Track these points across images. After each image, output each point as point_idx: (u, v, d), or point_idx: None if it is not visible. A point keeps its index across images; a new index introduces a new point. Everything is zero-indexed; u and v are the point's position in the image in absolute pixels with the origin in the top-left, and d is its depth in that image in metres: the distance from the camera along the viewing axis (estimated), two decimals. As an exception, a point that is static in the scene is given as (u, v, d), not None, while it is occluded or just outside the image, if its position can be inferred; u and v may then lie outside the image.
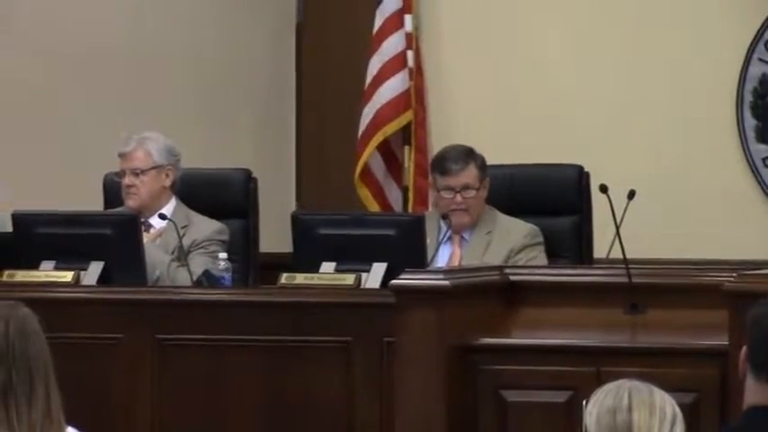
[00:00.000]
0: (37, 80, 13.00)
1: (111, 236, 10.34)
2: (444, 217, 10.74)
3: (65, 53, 13.20)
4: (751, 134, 12.44)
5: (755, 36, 12.56)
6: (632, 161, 11.07)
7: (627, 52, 12.65)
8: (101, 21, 13.27)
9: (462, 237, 10.65)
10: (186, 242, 10.65)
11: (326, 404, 9.55)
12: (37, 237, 10.27)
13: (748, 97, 12.56)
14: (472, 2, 12.70)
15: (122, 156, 10.88)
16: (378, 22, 12.44)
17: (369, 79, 12.43)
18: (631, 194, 9.93)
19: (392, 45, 12.37)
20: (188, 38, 13.31)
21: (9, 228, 10.34)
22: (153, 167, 10.70)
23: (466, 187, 10.70)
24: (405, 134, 12.38)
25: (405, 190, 12.23)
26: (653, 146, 11.83)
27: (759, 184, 12.32)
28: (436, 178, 11.05)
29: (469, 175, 10.72)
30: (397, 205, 12.16)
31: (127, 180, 10.82)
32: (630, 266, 9.32)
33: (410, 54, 12.40)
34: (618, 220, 9.90)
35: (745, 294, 7.54)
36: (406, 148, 12.31)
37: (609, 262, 10.13)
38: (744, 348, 5.89)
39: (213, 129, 12.09)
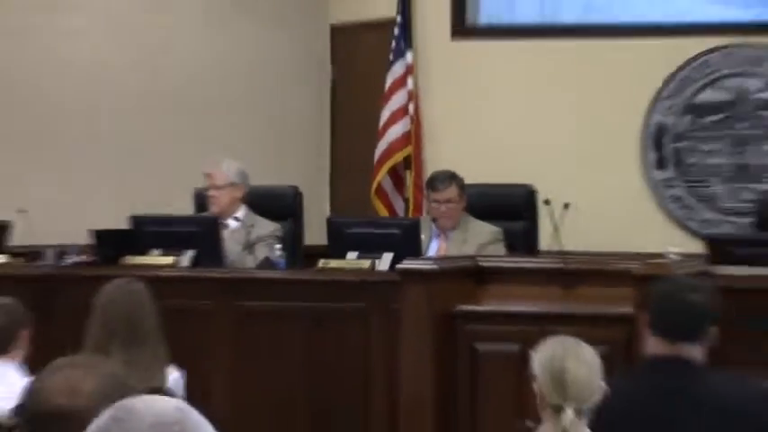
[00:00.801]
0: (144, 119, 12.89)
1: (199, 232, 10.49)
2: (434, 221, 10.91)
3: (162, 97, 13.08)
4: (652, 163, 12.42)
5: (656, 94, 12.53)
6: (568, 182, 11.08)
7: (568, 108, 12.61)
8: (189, 72, 13.24)
9: (446, 235, 10.77)
10: (252, 237, 10.80)
11: (351, 351, 9.66)
12: (148, 232, 10.37)
13: (650, 137, 12.50)
14: (455, 72, 12.69)
15: (208, 175, 10.99)
16: (388, 82, 12.47)
17: (381, 123, 12.47)
18: (566, 206, 10.00)
19: (398, 99, 12.41)
20: (254, 90, 13.24)
21: (129, 226, 10.42)
22: (229, 184, 10.83)
23: (449, 201, 10.83)
24: (406, 162, 12.43)
25: (406, 201, 12.30)
26: (583, 171, 11.83)
27: (656, 198, 12.33)
28: (428, 193, 11.18)
29: (452, 191, 10.83)
30: (400, 212, 12.23)
31: (210, 193, 10.94)
32: (565, 257, 9.48)
33: (411, 106, 12.44)
34: (557, 223, 9.99)
35: (647, 277, 7.73)
36: (408, 172, 12.37)
37: (550, 253, 10.20)
38: (645, 315, 6.06)
39: (271, 157, 12.12)
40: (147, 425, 2.73)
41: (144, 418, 2.73)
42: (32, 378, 3.52)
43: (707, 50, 12.57)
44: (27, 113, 12.65)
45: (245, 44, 13.34)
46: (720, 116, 12.51)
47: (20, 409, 3.44)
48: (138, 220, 10.49)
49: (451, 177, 11.11)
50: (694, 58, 12.55)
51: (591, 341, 5.62)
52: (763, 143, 12.47)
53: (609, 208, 11.84)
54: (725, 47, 12.52)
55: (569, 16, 12.76)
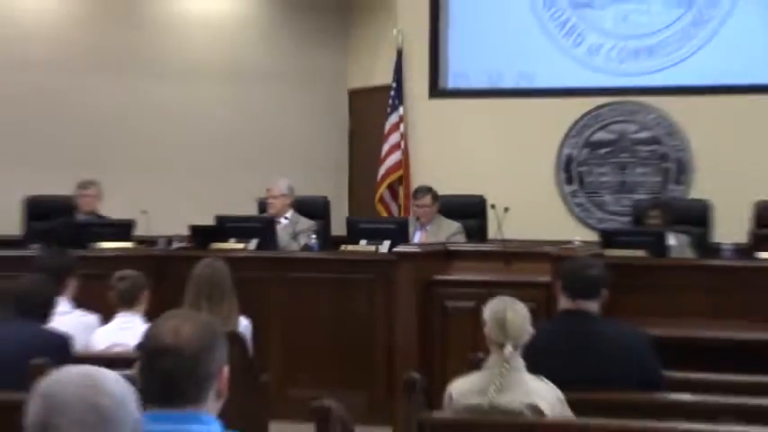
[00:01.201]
0: (226, 151, 12.87)
1: (261, 227, 10.44)
2: (417, 219, 10.84)
3: (237, 136, 13.02)
4: (563, 181, 12.35)
5: (565, 135, 12.46)
6: (507, 193, 10.96)
7: (507, 144, 12.52)
8: (257, 120, 13.19)
9: (425, 228, 10.72)
10: (296, 230, 10.76)
11: (362, 306, 9.61)
12: (227, 227, 10.29)
13: (562, 163, 12.39)
14: (431, 120, 12.60)
15: (268, 189, 10.96)
16: (387, 127, 12.41)
17: (382, 155, 12.36)
18: (506, 209, 9.92)
19: (393, 138, 12.32)
20: (298, 133, 13.15)
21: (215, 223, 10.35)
22: (281, 195, 10.81)
23: (426, 205, 10.77)
24: (399, 181, 12.34)
25: (399, 207, 12.19)
26: (517, 186, 11.75)
27: (565, 204, 12.25)
28: (413, 201, 11.15)
29: (428, 199, 10.77)
30: (395, 214, 12.12)
31: (269, 200, 10.92)
32: (505, 243, 9.41)
33: (402, 143, 12.35)
34: (500, 221, 9.91)
35: (560, 257, 7.73)
36: (400, 187, 12.24)
37: (495, 241, 10.12)
38: (559, 282, 6.05)
39: (309, 177, 11.99)
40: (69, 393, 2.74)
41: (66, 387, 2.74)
42: (150, 324, 3.52)
43: (599, 106, 12.51)
44: (148, 147, 12.65)
45: (293, 102, 13.26)
46: (608, 149, 12.43)
47: (140, 346, 3.44)
48: (220, 219, 10.45)
49: (428, 190, 11.06)
50: (590, 111, 12.50)
51: (522, 299, 5.61)
52: (637, 168, 12.41)
53: (534, 211, 11.74)
54: (611, 103, 12.47)
55: (507, 83, 12.70)
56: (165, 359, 3.28)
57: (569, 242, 9.84)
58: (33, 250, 9.89)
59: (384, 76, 12.75)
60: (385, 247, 10.18)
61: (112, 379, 2.77)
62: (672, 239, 10.10)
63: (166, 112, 12.91)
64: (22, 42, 12.66)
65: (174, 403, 3.24)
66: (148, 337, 3.42)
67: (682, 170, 12.38)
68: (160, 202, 11.34)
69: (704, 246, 10.42)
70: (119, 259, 9.36)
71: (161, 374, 3.27)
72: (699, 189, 12.05)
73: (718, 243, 10.50)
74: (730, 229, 10.66)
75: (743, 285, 9.36)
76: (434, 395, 5.61)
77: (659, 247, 9.87)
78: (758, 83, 12.12)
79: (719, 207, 11.09)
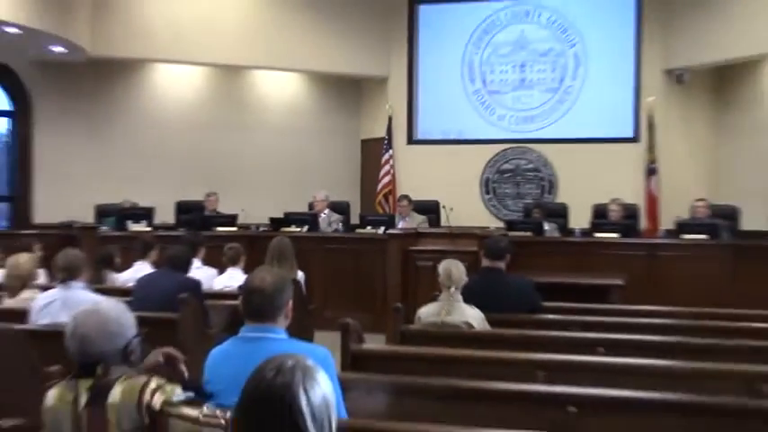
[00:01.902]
0: (287, 173, 12.68)
1: (310, 219, 10.30)
2: (400, 214, 10.71)
3: (296, 164, 12.85)
4: (484, 192, 12.22)
5: (485, 166, 12.32)
6: (452, 199, 10.83)
7: (452, 172, 12.39)
8: (303, 154, 13.05)
9: (405, 219, 10.60)
10: (331, 221, 10.64)
11: (370, 266, 9.49)
12: (290, 218, 10.19)
13: (484, 182, 12.19)
14: (409, 158, 12.43)
15: (314, 197, 10.86)
16: (383, 161, 12.28)
17: (379, 176, 12.19)
18: (451, 209, 9.83)
19: (386, 168, 12.15)
20: (328, 165, 13.04)
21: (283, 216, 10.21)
22: (322, 200, 10.69)
23: (404, 206, 10.65)
24: (389, 193, 12.17)
25: (390, 207, 12.00)
26: (458, 195, 11.48)
27: (487, 206, 12.11)
28: (398, 204, 11.03)
29: (405, 203, 10.66)
30: (388, 211, 11.93)
31: (315, 202, 10.81)
32: (452, 228, 9.32)
33: (391, 171, 12.19)
34: (448, 215, 9.82)
35: (483, 236, 7.66)
36: (390, 196, 12.06)
37: (446, 227, 10.03)
38: (482, 250, 5.97)
39: (337, 190, 11.73)
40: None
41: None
42: (247, 275, 3.52)
43: (504, 149, 12.32)
44: (246, 171, 12.55)
45: (327, 146, 13.13)
46: (509, 174, 12.28)
47: (242, 288, 3.45)
48: (286, 214, 10.37)
49: (406, 197, 10.90)
50: (499, 152, 12.35)
51: (461, 261, 5.58)
52: (526, 184, 12.28)
53: (467, 209, 11.54)
54: (511, 148, 12.29)
55: (451, 136, 12.57)
56: (255, 295, 3.32)
57: (487, 228, 9.85)
58: (181, 231, 9.94)
59: (381, 132, 12.59)
60: (381, 230, 10.16)
61: (111, 306, 2.80)
62: (546, 226, 10.12)
63: (255, 151, 12.79)
64: (178, 110, 12.63)
65: (260, 320, 3.30)
66: (246, 282, 3.44)
67: (551, 186, 12.23)
68: (252, 204, 11.24)
69: (564, 230, 10.43)
70: (228, 237, 9.37)
71: (253, 304, 3.31)
72: (561, 197, 11.90)
73: (573, 228, 10.50)
74: (579, 220, 10.64)
75: (586, 252, 9.41)
76: (410, 316, 5.58)
77: (539, 231, 9.92)
78: (595, 136, 11.98)
79: (573, 207, 11.04)
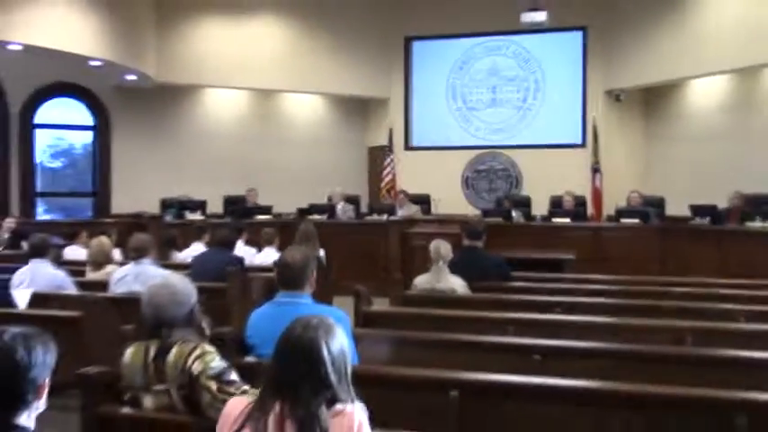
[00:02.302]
0: (309, 177, 12.63)
1: (329, 208, 10.14)
2: (398, 205, 10.63)
3: (318, 169, 12.82)
4: (465, 187, 12.18)
5: (466, 167, 12.30)
6: (440, 192, 10.83)
7: (441, 171, 12.31)
8: (323, 163, 12.94)
9: (402, 208, 10.53)
10: (346, 209, 10.54)
11: (374, 245, 9.43)
12: (314, 208, 10.10)
13: (464, 178, 12.20)
14: (408, 161, 12.35)
15: (331, 191, 10.81)
16: (385, 163, 12.21)
17: (382, 176, 12.09)
18: (439, 200, 9.79)
19: (388, 169, 12.01)
20: (341, 166, 12.91)
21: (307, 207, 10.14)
22: (338, 194, 10.64)
23: (402, 198, 10.62)
24: (391, 188, 12.06)
25: (391, 199, 11.91)
26: (446, 190, 11.48)
27: (466, 198, 12.06)
28: (398, 196, 10.97)
29: (403, 195, 10.62)
30: (389, 202, 11.90)
31: (332, 197, 10.74)
32: (439, 216, 9.26)
33: (392, 171, 12.07)
34: (437, 205, 9.78)
35: (464, 222, 7.55)
36: (391, 191, 11.92)
37: (435, 215, 10.00)
38: (463, 233, 5.92)
39: (350, 186, 11.64)
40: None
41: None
42: (280, 253, 3.49)
43: (480, 154, 12.23)
44: (277, 173, 12.36)
45: (342, 153, 12.98)
46: (484, 173, 12.24)
47: (276, 263, 3.42)
48: (311, 205, 10.31)
49: (403, 191, 10.92)
50: (476, 156, 12.25)
51: (447, 240, 5.55)
52: (497, 181, 12.14)
53: (452, 201, 11.60)
54: (486, 153, 12.21)
55: (439, 143, 12.52)
56: (287, 269, 3.29)
57: (467, 215, 9.78)
58: (227, 219, 9.91)
59: (383, 140, 12.50)
60: (384, 217, 10.12)
61: (178, 280, 2.76)
62: (514, 213, 10.05)
63: (285, 156, 12.63)
64: (224, 125, 12.53)
65: (291, 288, 3.29)
66: (279, 258, 3.43)
67: (518, 182, 12.13)
68: (283, 198, 11.18)
69: (528, 216, 10.37)
70: (264, 223, 9.31)
71: (285, 276, 3.29)
72: (526, 190, 11.87)
73: (535, 215, 10.48)
74: (540, 208, 10.61)
75: (545, 234, 9.40)
76: (408, 284, 5.56)
77: (509, 217, 9.86)
78: (551, 143, 11.96)
79: (535, 198, 11.02)
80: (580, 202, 10.69)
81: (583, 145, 11.83)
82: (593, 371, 3.07)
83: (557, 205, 10.57)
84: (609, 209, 10.63)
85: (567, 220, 9.67)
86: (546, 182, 11.40)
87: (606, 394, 2.74)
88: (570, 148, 11.89)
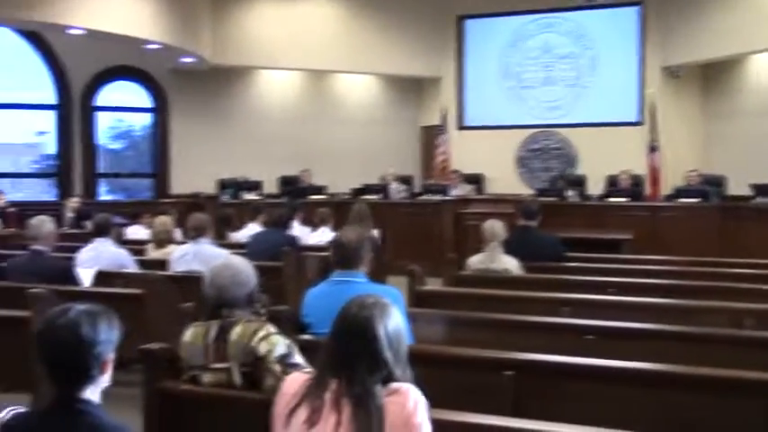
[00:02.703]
0: (360, 159, 12.68)
1: (382, 188, 10.16)
2: (452, 185, 10.57)
3: (368, 153, 12.88)
4: (517, 166, 12.07)
5: (521, 145, 12.14)
6: (493, 171, 10.69)
7: (496, 150, 12.18)
8: (376, 139, 12.90)
9: (456, 188, 10.48)
10: (399, 190, 10.48)
11: (428, 224, 9.36)
12: (368, 188, 10.12)
13: (517, 158, 12.10)
14: (460, 141, 12.15)
15: (385, 172, 10.78)
16: (438, 143, 12.01)
17: (435, 155, 11.95)
18: (492, 180, 9.67)
19: (441, 149, 11.72)
20: (394, 145, 12.91)
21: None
22: (391, 175, 10.61)
23: (456, 178, 10.57)
24: (444, 168, 11.90)
25: (444, 179, 11.86)
26: (498, 168, 11.37)
27: (520, 178, 11.89)
28: (450, 176, 10.92)
29: (457, 175, 10.59)
30: (442, 182, 11.84)
31: (387, 177, 10.74)
32: (494, 195, 9.20)
33: (444, 151, 11.90)
34: (489, 185, 9.67)
35: (519, 201, 7.42)
36: (444, 170, 11.74)
37: (488, 194, 9.88)
38: (518, 213, 5.89)
39: (403, 166, 11.63)
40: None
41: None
42: (335, 233, 3.52)
43: (534, 132, 12.06)
44: (334, 153, 12.39)
45: (396, 132, 12.94)
46: (539, 152, 12.03)
47: (331, 243, 3.45)
48: (365, 185, 10.37)
49: (456, 171, 10.90)
50: (530, 135, 12.05)
51: (500, 220, 5.53)
52: (552, 160, 11.95)
53: (505, 180, 11.55)
54: (540, 132, 12.07)
55: (492, 123, 12.38)
56: (342, 248, 3.32)
57: (520, 195, 9.72)
58: (282, 199, 10.01)
59: (436, 120, 12.24)
60: (438, 197, 10.11)
61: (239, 261, 2.78)
62: (569, 193, 9.96)
63: (338, 136, 12.64)
64: (279, 106, 12.60)
65: (346, 267, 3.31)
66: (335, 238, 3.45)
67: (573, 161, 11.95)
68: (337, 178, 11.28)
69: (583, 196, 10.26)
70: (319, 203, 9.33)
71: (341, 255, 3.32)
72: (580, 169, 11.68)
73: (590, 194, 10.37)
74: (595, 188, 10.51)
75: (601, 213, 9.32)
76: (461, 264, 5.55)
77: (562, 197, 9.78)
78: (606, 121, 11.74)
79: (590, 178, 10.92)
80: (637, 181, 10.56)
81: (639, 123, 11.58)
82: (648, 352, 3.03)
83: (613, 184, 10.43)
84: (667, 188, 10.44)
85: (624, 199, 9.54)
86: (601, 161, 11.22)
87: (663, 376, 2.70)
88: (626, 126, 11.63)
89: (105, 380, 1.92)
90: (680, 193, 9.45)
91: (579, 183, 10.74)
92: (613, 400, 2.68)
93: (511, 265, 5.31)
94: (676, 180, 10.16)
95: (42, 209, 7.16)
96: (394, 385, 1.95)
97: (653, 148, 11.11)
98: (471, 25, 12.62)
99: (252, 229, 7.39)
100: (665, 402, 2.65)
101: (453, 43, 12.61)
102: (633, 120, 11.67)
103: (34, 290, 3.95)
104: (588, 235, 7.91)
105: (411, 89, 13.24)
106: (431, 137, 12.63)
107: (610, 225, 8.70)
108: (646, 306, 4.23)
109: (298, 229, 7.35)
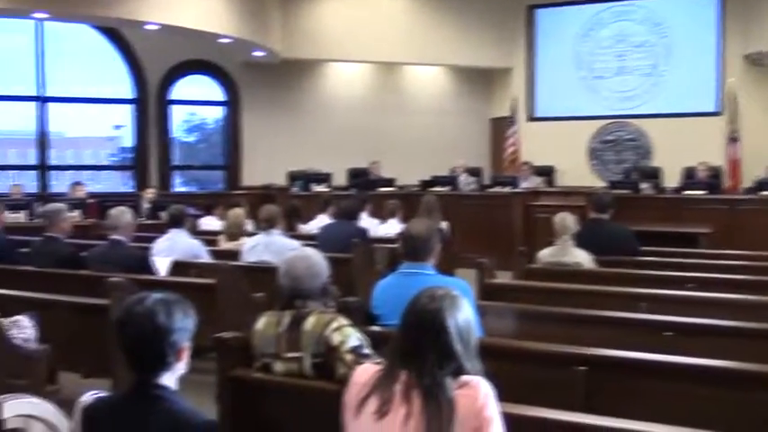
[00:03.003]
0: (415, 152, 12.59)
1: (451, 180, 10.11)
2: (522, 177, 10.46)
3: (433, 145, 12.81)
4: (590, 158, 11.91)
5: (593, 136, 11.98)
6: (565, 164, 10.50)
7: (564, 142, 12.02)
8: (446, 130, 12.87)
9: (526, 180, 10.38)
10: (468, 182, 10.42)
11: (498, 217, 9.29)
12: (436, 180, 10.06)
13: (589, 150, 11.94)
14: (529, 132, 12.04)
15: (455, 164, 10.72)
16: (508, 134, 11.99)
17: (505, 146, 11.91)
18: (563, 172, 9.54)
19: (511, 140, 11.74)
20: (464, 138, 12.81)
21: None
22: (460, 167, 10.53)
23: (525, 170, 10.47)
24: (514, 159, 11.84)
25: (514, 170, 11.72)
26: (570, 161, 11.25)
27: (592, 170, 11.76)
28: (521, 168, 10.80)
29: (526, 167, 10.47)
30: (512, 174, 11.71)
31: (456, 169, 10.66)
32: (564, 188, 9.07)
33: (515, 142, 11.84)
34: (560, 177, 9.54)
35: (591, 193, 7.30)
36: (514, 162, 11.72)
37: (559, 186, 9.76)
38: (589, 206, 5.79)
39: (473, 158, 11.58)
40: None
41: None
42: (404, 225, 3.52)
43: (607, 124, 11.89)
44: (402, 144, 12.44)
45: (467, 124, 12.90)
46: (611, 144, 11.87)
47: (401, 234, 3.46)
48: (433, 177, 10.26)
49: (527, 162, 10.78)
50: (603, 126, 11.90)
51: (572, 213, 5.44)
52: (625, 151, 11.78)
53: (577, 173, 11.39)
54: (613, 123, 11.89)
55: (564, 114, 12.19)
56: (411, 240, 3.32)
57: (592, 187, 9.53)
58: (352, 191, 10.07)
59: (506, 112, 12.23)
60: (507, 189, 10.01)
61: (313, 253, 2.80)
62: (643, 185, 9.73)
63: (407, 128, 12.67)
64: (348, 98, 12.68)
65: (415, 259, 3.31)
66: (405, 230, 3.46)
67: (646, 153, 11.75)
68: (405, 170, 11.36)
69: (658, 188, 10.01)
70: (388, 195, 9.35)
71: (410, 247, 3.32)
72: (655, 161, 11.45)
73: (665, 187, 10.14)
74: (671, 181, 10.27)
75: (677, 206, 9.10)
76: (531, 257, 5.49)
77: (636, 189, 9.56)
78: (683, 111, 11.44)
79: (666, 170, 10.68)
80: (715, 173, 10.27)
81: (718, 113, 11.25)
82: (726, 350, 2.93)
83: (690, 176, 10.16)
84: (747, 181, 10.15)
85: (701, 192, 9.28)
86: (678, 152, 10.94)
87: (746, 375, 2.61)
88: (704, 116, 11.33)
89: (181, 367, 1.98)
90: (761, 185, 9.14)
91: (654, 175, 10.49)
92: (690, 399, 2.59)
93: (583, 258, 5.22)
94: (757, 172, 9.87)
95: (120, 200, 7.38)
96: (464, 378, 1.94)
97: (733, 139, 10.78)
98: (542, 15, 12.48)
99: (321, 220, 7.46)
100: (744, 402, 2.56)
101: (524, 33, 12.50)
102: (711, 110, 11.37)
103: (113, 278, 4.06)
104: (663, 229, 7.71)
105: (480, 80, 13.14)
106: (500, 128, 12.55)
107: (686, 218, 8.46)
108: (727, 302, 4.09)
109: (366, 221, 7.39)
